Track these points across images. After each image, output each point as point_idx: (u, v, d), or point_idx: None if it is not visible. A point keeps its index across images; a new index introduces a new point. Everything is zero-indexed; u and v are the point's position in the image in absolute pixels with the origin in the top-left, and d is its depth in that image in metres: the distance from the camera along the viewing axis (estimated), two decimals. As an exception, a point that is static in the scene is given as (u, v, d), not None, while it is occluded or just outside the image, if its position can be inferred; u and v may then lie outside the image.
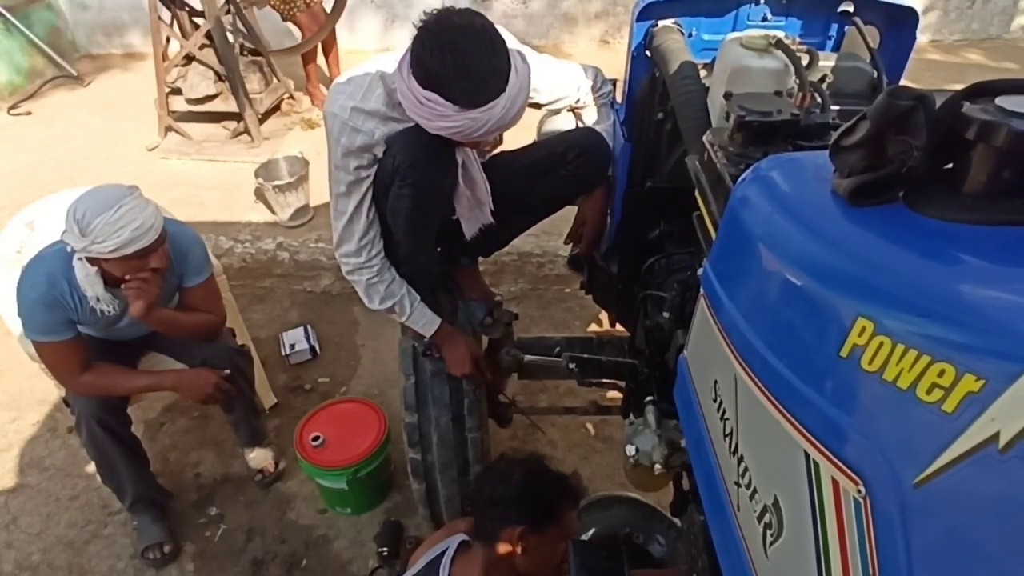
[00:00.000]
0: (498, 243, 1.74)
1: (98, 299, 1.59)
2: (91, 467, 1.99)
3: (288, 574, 1.92)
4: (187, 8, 3.42)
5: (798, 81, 1.07)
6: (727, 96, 1.02)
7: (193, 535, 2.02)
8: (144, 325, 1.75)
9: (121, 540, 1.99)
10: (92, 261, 1.55)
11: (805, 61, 1.15)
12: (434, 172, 1.30)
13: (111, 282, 1.60)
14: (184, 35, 3.45)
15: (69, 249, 1.55)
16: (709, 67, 1.39)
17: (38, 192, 2.41)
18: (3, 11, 4.15)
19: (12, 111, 4.02)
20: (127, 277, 1.56)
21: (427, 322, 1.52)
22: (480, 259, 1.82)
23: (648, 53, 1.50)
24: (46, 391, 2.35)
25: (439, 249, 1.64)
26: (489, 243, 1.71)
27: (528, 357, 1.79)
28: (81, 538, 2.00)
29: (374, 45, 4.83)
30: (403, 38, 1.27)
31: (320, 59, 3.92)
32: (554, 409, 2.17)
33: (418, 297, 1.51)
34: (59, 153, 3.53)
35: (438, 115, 1.10)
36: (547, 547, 1.24)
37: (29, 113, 4.03)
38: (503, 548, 1.21)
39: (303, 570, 1.93)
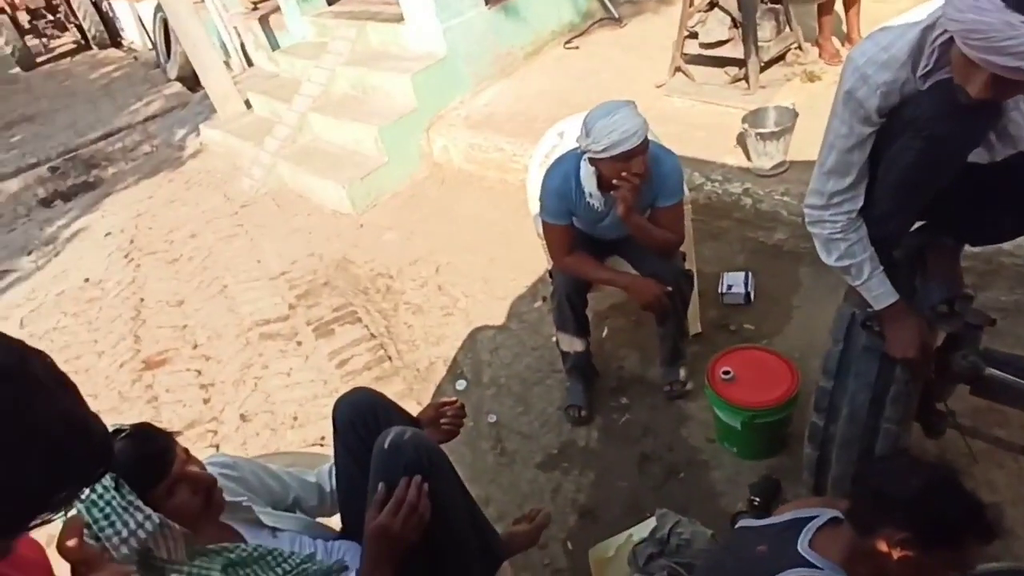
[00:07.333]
0: (996, 234, 1.49)
1: (591, 195, 1.99)
2: (551, 330, 2.53)
3: (666, 478, 2.14)
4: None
5: None
6: None
7: (603, 412, 2.40)
8: (618, 230, 2.10)
9: (557, 392, 2.52)
10: (592, 162, 1.93)
11: None
12: (955, 135, 1.19)
13: (604, 186, 1.98)
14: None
15: (579, 151, 1.96)
16: None
17: (569, 110, 3.00)
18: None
19: (566, 45, 4.96)
20: (614, 181, 1.90)
21: (882, 295, 1.42)
22: (968, 248, 1.59)
23: None
24: (538, 262, 3.01)
25: (925, 222, 1.50)
26: (984, 231, 1.48)
27: (991, 371, 1.53)
28: (532, 379, 2.60)
29: (913, -6, 4.25)
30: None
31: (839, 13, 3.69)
32: (1011, 445, 1.79)
33: (880, 266, 1.42)
34: (590, 82, 4.25)
35: (972, 5, 0.97)
36: (929, 568, 1.11)
37: (577, 48, 4.90)
38: (877, 545, 1.13)
39: (680, 480, 2.13)
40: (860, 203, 1.37)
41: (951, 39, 1.06)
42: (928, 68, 1.15)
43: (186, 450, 1.17)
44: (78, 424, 0.58)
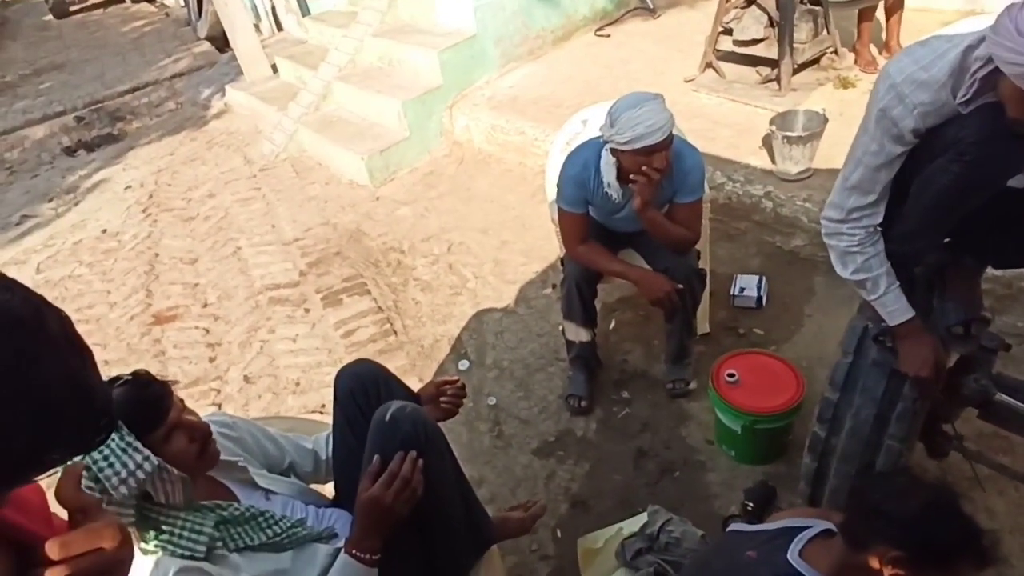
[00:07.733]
0: (1020, 258, 1.46)
1: (609, 185, 1.97)
2: (558, 317, 2.53)
3: (661, 475, 2.14)
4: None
5: None
6: None
7: (604, 404, 2.40)
8: (633, 223, 2.08)
9: (558, 380, 2.51)
10: (613, 153, 1.91)
11: None
12: (999, 161, 1.16)
13: (623, 178, 1.96)
14: (755, -22, 3.59)
15: (602, 141, 1.94)
16: None
17: (595, 98, 2.97)
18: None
19: (598, 32, 4.89)
20: (632, 176, 1.88)
21: (897, 311, 1.39)
22: (989, 270, 1.56)
23: None
24: (551, 249, 3.01)
25: (948, 240, 1.47)
26: (1009, 254, 1.45)
27: (1002, 396, 1.50)
28: (535, 365, 2.60)
29: (956, 5, 4.16)
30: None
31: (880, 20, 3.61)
32: (1014, 473, 1.77)
33: (896, 281, 1.39)
34: (619, 71, 4.20)
35: None
36: None
37: (608, 36, 4.83)
38: (868, 561, 1.12)
39: (675, 479, 2.12)
40: (879, 219, 1.35)
41: (995, 70, 1.04)
42: (967, 97, 1.13)
43: (182, 400, 1.18)
44: (81, 389, 0.56)
